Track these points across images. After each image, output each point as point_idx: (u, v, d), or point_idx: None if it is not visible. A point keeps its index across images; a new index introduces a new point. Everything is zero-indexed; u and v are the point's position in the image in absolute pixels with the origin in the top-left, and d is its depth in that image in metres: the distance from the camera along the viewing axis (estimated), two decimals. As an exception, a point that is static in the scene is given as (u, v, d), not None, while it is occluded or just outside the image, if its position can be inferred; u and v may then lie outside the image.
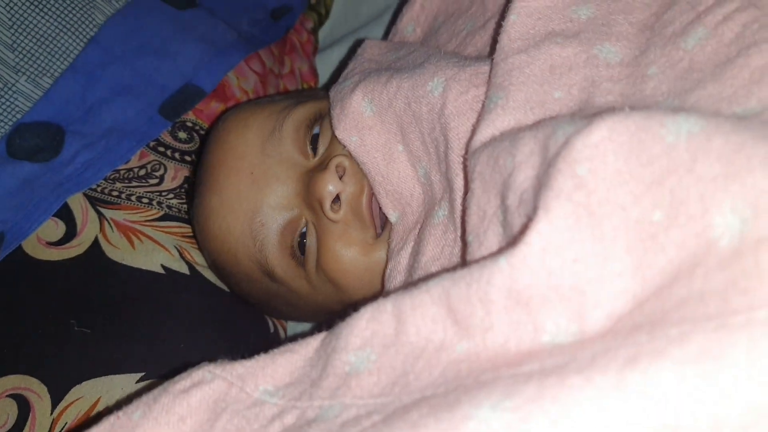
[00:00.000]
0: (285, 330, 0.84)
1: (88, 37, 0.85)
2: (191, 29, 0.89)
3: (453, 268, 0.49)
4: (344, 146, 0.62)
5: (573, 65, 0.47)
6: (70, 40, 0.84)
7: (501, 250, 0.34)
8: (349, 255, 0.62)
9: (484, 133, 0.46)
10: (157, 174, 0.82)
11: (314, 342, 0.43)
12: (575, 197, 0.32)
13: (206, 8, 0.92)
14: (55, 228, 0.76)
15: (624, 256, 0.32)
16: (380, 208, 0.63)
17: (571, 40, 0.48)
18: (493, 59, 0.51)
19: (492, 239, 0.41)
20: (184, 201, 0.81)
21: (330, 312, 0.73)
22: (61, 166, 0.80)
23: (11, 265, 0.74)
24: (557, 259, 0.32)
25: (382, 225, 0.63)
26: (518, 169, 0.38)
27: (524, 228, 0.35)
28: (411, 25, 0.77)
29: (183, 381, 0.42)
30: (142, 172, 0.81)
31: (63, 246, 0.75)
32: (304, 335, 0.83)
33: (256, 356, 0.42)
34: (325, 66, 1.11)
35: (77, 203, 0.78)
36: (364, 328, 0.39)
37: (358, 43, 0.75)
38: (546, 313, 0.33)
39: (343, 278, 0.63)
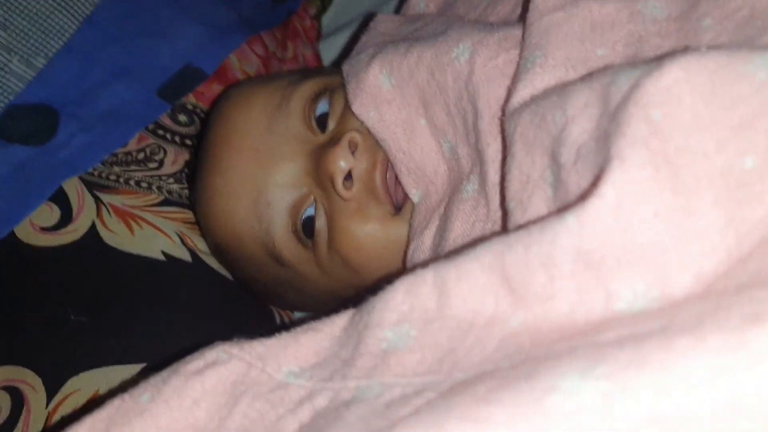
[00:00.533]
0: (291, 321, 0.81)
1: (83, 16, 0.81)
2: (191, 10, 0.85)
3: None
4: (361, 122, 0.59)
5: (615, 21, 0.43)
6: (65, 19, 0.80)
7: (565, 209, 0.30)
8: (365, 232, 0.58)
9: (522, 94, 0.42)
10: (157, 158, 0.78)
11: (340, 320, 0.39)
12: (652, 144, 0.29)
13: (208, -11, 0.88)
14: (49, 213, 0.72)
15: (711, 209, 0.28)
16: (396, 185, 0.59)
17: (614, -3, 0.45)
18: (525, 20, 0.48)
19: (538, 203, 0.38)
20: (185, 186, 0.78)
21: (341, 298, 0.69)
22: (56, 150, 0.76)
23: (3, 252, 0.70)
24: (635, 214, 0.29)
25: (399, 203, 0.60)
26: (572, 123, 0.35)
27: (588, 185, 0.32)
28: (423, 2, 0.74)
29: (195, 361, 0.38)
30: (141, 155, 0.77)
31: (58, 231, 0.71)
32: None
33: (275, 335, 0.39)
34: (329, 53, 1.07)
35: (73, 187, 0.74)
36: (401, 301, 0.35)
37: (369, 18, 0.72)
38: (620, 277, 0.29)
39: (358, 258, 0.60)
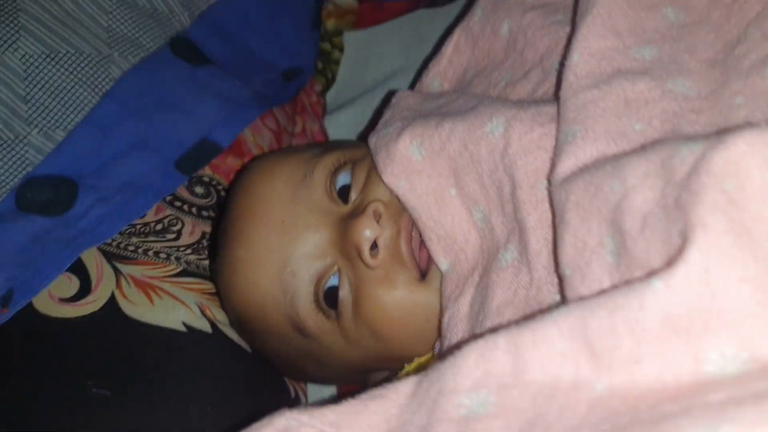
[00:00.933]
0: (305, 395, 0.80)
1: (103, 91, 0.83)
2: (207, 86, 0.87)
3: (533, 310, 0.47)
4: (392, 191, 0.60)
5: (649, 99, 0.46)
6: (85, 94, 0.82)
7: (652, 274, 0.32)
8: (392, 298, 0.59)
9: (567, 164, 0.44)
10: (175, 229, 0.78)
11: (405, 387, 0.39)
12: (730, 212, 0.31)
13: (220, 66, 0.91)
14: (68, 283, 0.72)
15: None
16: (420, 250, 0.61)
17: (641, 76, 0.48)
18: (559, 97, 0.51)
19: (597, 270, 0.39)
20: (202, 257, 0.78)
21: (364, 370, 0.69)
22: (74, 220, 0.76)
23: (22, 323, 0.69)
24: (722, 278, 0.30)
25: (423, 268, 0.61)
26: (634, 192, 0.37)
27: (659, 252, 0.33)
28: (437, 80, 0.78)
29: (264, 429, 0.38)
30: (159, 226, 0.78)
31: (77, 302, 0.70)
32: (330, 401, 0.80)
33: (342, 402, 0.39)
34: (333, 128, 1.10)
35: (92, 258, 0.74)
36: (474, 367, 0.36)
37: (390, 94, 0.75)
38: (709, 341, 0.30)
39: (386, 326, 0.60)
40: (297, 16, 1.05)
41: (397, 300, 0.59)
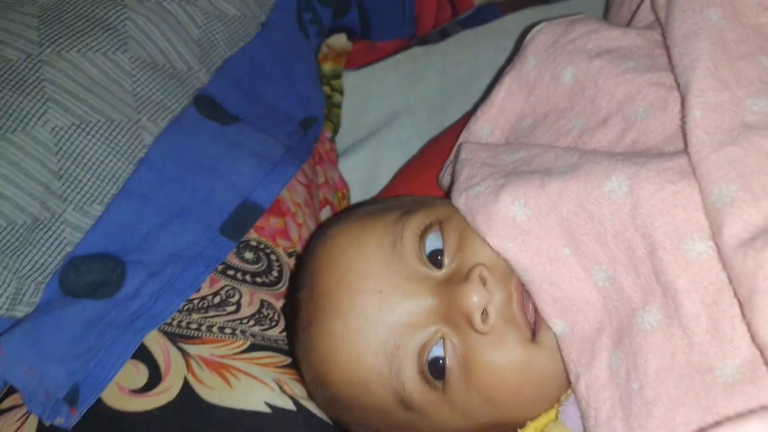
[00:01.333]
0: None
1: (137, 158, 0.79)
2: (240, 145, 0.84)
3: (703, 377, 0.47)
4: (499, 254, 0.59)
5: None
6: (119, 164, 0.77)
7: None
8: (508, 361, 0.58)
9: (735, 229, 0.45)
10: (233, 300, 0.75)
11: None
12: None
13: (247, 123, 0.88)
14: (135, 373, 0.67)
15: None
16: (528, 309, 0.60)
17: (770, 130, 0.49)
18: (690, 153, 0.51)
19: None
20: (266, 327, 0.74)
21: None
22: (127, 301, 0.71)
23: (93, 422, 0.63)
24: None
25: (533, 328, 0.60)
26: None
27: None
28: (488, 127, 0.77)
29: None
30: (217, 299, 0.74)
31: (150, 393, 0.66)
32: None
33: None
34: (345, 175, 1.08)
35: (154, 341, 0.69)
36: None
37: (458, 148, 0.74)
38: None
39: (502, 392, 0.59)
40: (306, 63, 1.03)
41: (512, 362, 0.58)
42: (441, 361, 0.60)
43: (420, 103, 1.16)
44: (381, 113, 1.17)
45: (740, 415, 0.37)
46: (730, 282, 0.47)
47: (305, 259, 0.71)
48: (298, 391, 0.70)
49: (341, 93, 1.16)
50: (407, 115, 1.15)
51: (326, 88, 1.14)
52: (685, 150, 0.53)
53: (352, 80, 1.19)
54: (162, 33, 0.86)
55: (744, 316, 0.45)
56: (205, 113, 0.85)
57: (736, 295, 0.46)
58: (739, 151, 0.48)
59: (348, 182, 1.07)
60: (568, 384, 0.59)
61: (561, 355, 0.58)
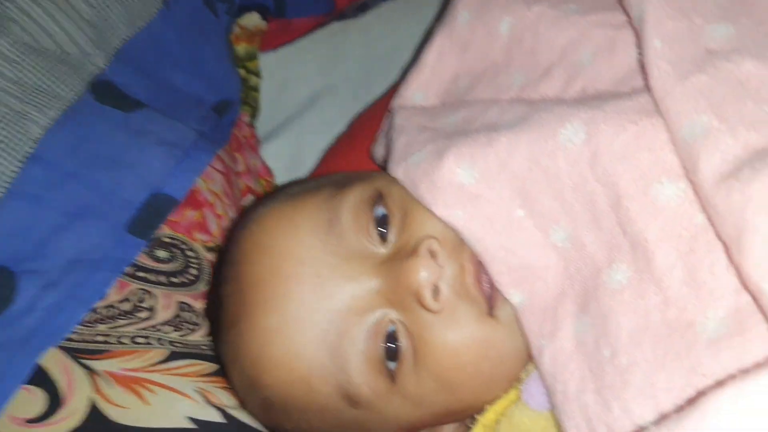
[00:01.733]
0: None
1: (24, 155, 0.68)
2: (146, 133, 0.75)
3: (679, 334, 0.41)
4: (447, 224, 0.53)
5: (763, 79, 0.42)
6: (3, 162, 0.67)
7: None
8: (464, 339, 0.52)
9: (713, 162, 0.39)
10: (146, 305, 0.66)
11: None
12: None
13: (155, 109, 0.78)
14: (30, 399, 0.58)
15: None
16: (485, 283, 0.54)
17: (738, 56, 0.44)
18: (653, 87, 0.45)
19: None
20: (185, 332, 0.66)
21: (416, 429, 0.61)
22: (20, 317, 0.61)
23: (-17, 462, 0.54)
24: None
25: (490, 303, 0.54)
26: None
27: None
28: (420, 92, 0.71)
29: None
30: (127, 305, 0.65)
31: (49, 421, 0.57)
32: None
33: None
34: (269, 161, 1.00)
35: (53, 360, 0.60)
36: (739, 424, 0.29)
37: (389, 116, 0.67)
38: None
39: (458, 374, 0.53)
40: (216, 44, 0.94)
41: (468, 339, 0.52)
42: (393, 347, 0.53)
43: (342, 82, 1.09)
44: (302, 95, 1.10)
45: (744, 370, 0.31)
46: (710, 223, 0.41)
47: (228, 250, 0.63)
48: (227, 400, 0.62)
49: (258, 75, 1.08)
50: (330, 95, 1.08)
51: (242, 71, 1.06)
52: (645, 87, 0.47)
53: (268, 62, 1.11)
54: (48, 14, 0.76)
55: (731, 260, 0.40)
56: (105, 100, 0.75)
57: (719, 237, 0.41)
58: (708, 79, 0.43)
59: (272, 169, 0.99)
60: (528, 360, 0.53)
61: (520, 328, 0.52)
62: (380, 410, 0.55)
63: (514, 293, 0.51)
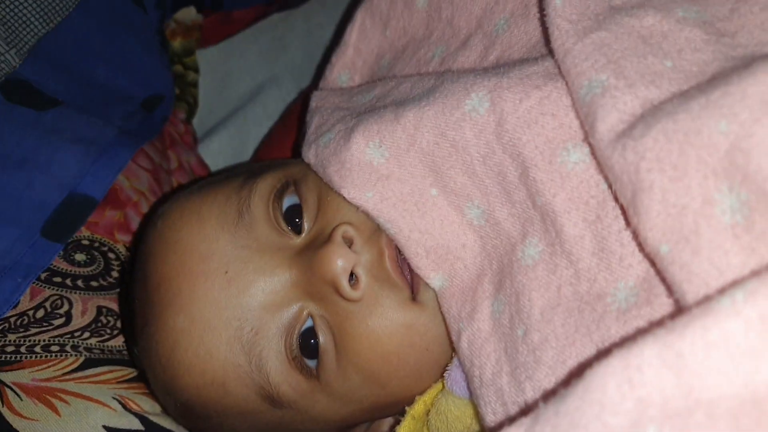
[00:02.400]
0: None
1: (-76, 158, 0.64)
2: (60, 131, 0.71)
3: (595, 308, 0.38)
4: (358, 207, 0.50)
5: (665, 32, 0.40)
6: None
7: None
8: (387, 327, 0.49)
9: (609, 121, 0.36)
10: (61, 312, 0.62)
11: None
12: None
13: (72, 106, 0.75)
14: (-69, 417, 0.54)
15: None
16: (405, 266, 0.51)
17: (641, 11, 0.41)
18: (554, 48, 0.42)
19: (715, 236, 0.31)
20: (105, 338, 0.62)
21: (348, 427, 0.58)
22: None
23: None
24: None
25: (413, 288, 0.51)
26: (758, 126, 0.29)
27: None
28: (346, 73, 0.67)
29: None
30: (40, 313, 0.61)
31: (-50, 439, 0.53)
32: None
33: None
34: (210, 158, 0.97)
35: (-43, 376, 0.56)
36: (619, 399, 0.26)
37: (306, 99, 0.64)
38: None
39: (383, 365, 0.50)
40: (144, 38, 0.90)
41: (391, 327, 0.49)
42: (312, 342, 0.50)
43: (286, 73, 1.05)
44: (244, 88, 1.06)
45: (631, 338, 0.28)
46: (611, 187, 0.38)
47: (137, 247, 0.59)
48: (148, 407, 0.59)
49: (196, 71, 1.04)
50: (273, 86, 1.04)
51: (179, 67, 1.02)
52: (549, 50, 0.44)
53: (209, 57, 1.08)
54: (-46, 12, 0.72)
55: (629, 223, 0.37)
56: (16, 100, 0.72)
57: (617, 202, 0.38)
58: (608, 35, 0.40)
59: (214, 165, 0.95)
60: (453, 349, 0.50)
61: (443, 315, 0.49)
62: (306, 410, 0.52)
63: (434, 277, 0.48)
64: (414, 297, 0.50)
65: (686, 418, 0.26)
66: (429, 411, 0.52)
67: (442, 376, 0.51)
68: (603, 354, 0.29)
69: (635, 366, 0.27)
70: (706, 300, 0.28)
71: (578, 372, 0.30)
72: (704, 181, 0.32)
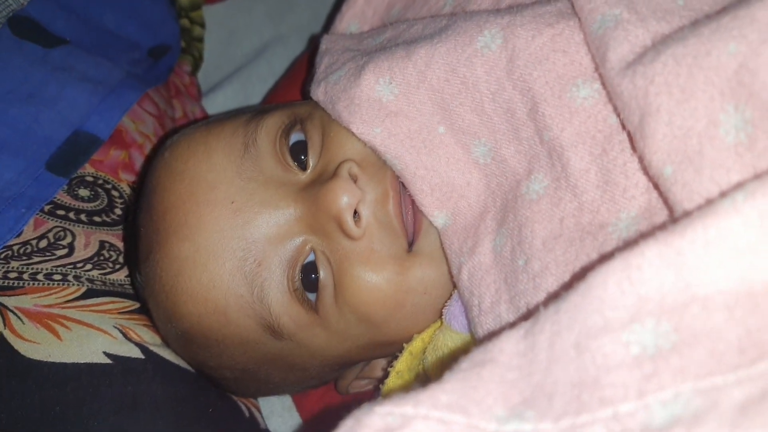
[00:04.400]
0: (260, 411, 0.67)
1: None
2: (67, 69, 0.71)
3: (595, 238, 0.40)
4: (365, 142, 0.50)
5: None
6: None
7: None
8: (383, 278, 0.49)
9: (621, 52, 0.37)
10: (64, 243, 0.63)
11: (508, 344, 0.30)
12: None
13: (79, 46, 0.75)
14: (-65, 335, 0.54)
15: None
16: (410, 212, 0.51)
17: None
18: None
19: (718, 154, 0.32)
20: (107, 271, 0.63)
21: (346, 364, 0.59)
22: (-74, 253, 0.58)
23: None
24: None
25: (411, 235, 0.51)
26: (765, 48, 0.30)
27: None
28: (355, 23, 0.68)
29: None
30: (43, 243, 0.62)
31: (-46, 357, 0.53)
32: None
33: (443, 379, 0.29)
34: (214, 111, 0.97)
35: (-40, 298, 0.57)
36: (620, 295, 0.27)
37: (314, 45, 0.64)
38: None
39: (378, 310, 0.50)
40: (152, -12, 0.90)
41: (386, 279, 0.49)
42: (313, 276, 0.51)
43: (292, 32, 1.05)
44: (250, 46, 1.06)
45: (630, 246, 0.29)
46: (619, 117, 0.39)
47: (144, 178, 0.60)
48: (149, 338, 0.59)
49: (202, 26, 1.04)
50: (279, 44, 1.04)
51: (185, 21, 1.02)
52: None
53: (216, 14, 1.08)
54: (-35, -52, 0.72)
55: (635, 150, 0.38)
56: (23, 35, 0.72)
57: (626, 130, 0.39)
58: None
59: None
60: (454, 286, 0.51)
61: (444, 252, 0.50)
62: (305, 343, 0.53)
63: (438, 215, 0.49)
64: (411, 246, 0.51)
65: (682, 311, 0.27)
66: (426, 348, 0.53)
67: (440, 315, 0.52)
68: (605, 259, 0.30)
69: (636, 265, 0.28)
70: (708, 203, 0.29)
71: (581, 276, 0.31)
72: (710, 102, 0.33)
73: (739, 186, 0.29)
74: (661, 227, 0.30)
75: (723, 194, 0.30)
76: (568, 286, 0.31)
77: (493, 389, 0.28)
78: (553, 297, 0.30)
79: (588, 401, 0.27)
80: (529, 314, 0.36)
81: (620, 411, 0.26)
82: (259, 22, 1.07)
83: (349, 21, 0.68)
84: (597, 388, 0.27)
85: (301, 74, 0.84)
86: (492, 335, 0.33)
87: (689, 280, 0.27)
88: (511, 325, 0.33)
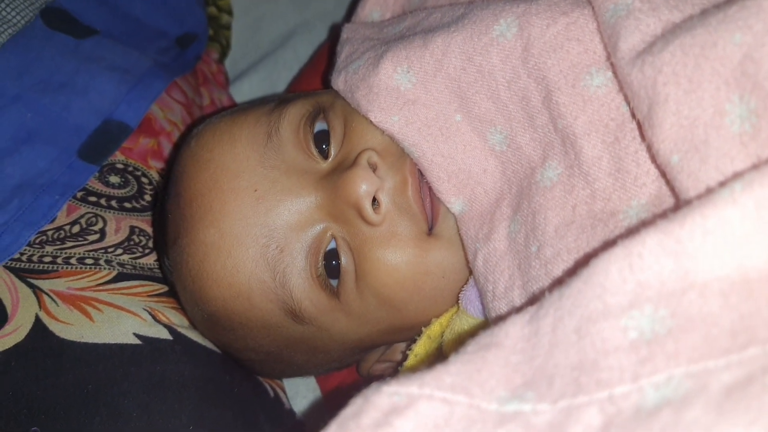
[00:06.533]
0: (285, 392, 0.69)
1: (-33, 77, 0.67)
2: (98, 59, 0.73)
3: (606, 225, 0.40)
4: (383, 130, 0.51)
5: None
6: (-52, 85, 0.66)
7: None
8: (404, 259, 0.50)
9: (632, 41, 0.37)
10: (95, 228, 0.65)
11: (513, 329, 0.31)
12: None
13: (109, 36, 0.77)
14: (-24, 316, 0.57)
15: None
16: (428, 197, 0.52)
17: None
18: None
19: (723, 144, 0.33)
20: (137, 255, 0.65)
21: (367, 348, 0.60)
22: (-34, 239, 0.61)
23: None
24: None
25: (431, 219, 0.52)
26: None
27: None
28: (377, 11, 0.69)
29: (367, 413, 0.28)
30: (76, 228, 0.64)
31: (-6, 336, 0.56)
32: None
33: (450, 360, 0.30)
34: (241, 99, 0.99)
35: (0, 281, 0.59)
36: (621, 282, 0.28)
37: (335, 34, 0.65)
38: None
39: (398, 293, 0.51)
40: (180, -24, 0.92)
41: (408, 259, 0.51)
42: (335, 263, 0.52)
43: (317, 19, 1.06)
44: (276, 33, 1.07)
45: (633, 232, 0.30)
46: (630, 105, 0.39)
47: (171, 166, 0.62)
48: (177, 320, 0.62)
49: (230, 13, 1.06)
50: (305, 31, 1.05)
51: (212, 9, 1.03)
52: None
53: (242, 1, 1.09)
54: (-1, -59, 0.74)
55: (644, 139, 0.38)
56: (56, 26, 0.74)
57: (636, 119, 0.39)
58: None
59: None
60: (470, 271, 0.52)
61: (461, 238, 0.51)
62: (326, 327, 0.55)
63: (455, 201, 0.50)
64: (431, 229, 0.52)
65: (680, 297, 0.28)
66: (444, 332, 0.54)
67: (457, 300, 0.53)
68: (608, 246, 0.31)
69: (637, 253, 0.29)
70: (708, 192, 0.30)
71: (584, 262, 0.31)
72: (716, 92, 0.33)
73: (738, 176, 0.30)
74: (662, 216, 0.30)
75: (723, 184, 0.30)
76: (573, 272, 0.32)
77: (497, 372, 0.29)
78: (559, 283, 0.31)
79: (586, 384, 0.28)
80: (535, 299, 0.37)
81: (615, 393, 0.27)
82: (284, 9, 1.08)
83: (371, 8, 0.69)
84: (595, 371, 0.28)
85: (323, 62, 0.85)
86: (501, 319, 0.34)
87: (688, 267, 0.28)
88: (518, 309, 0.34)
